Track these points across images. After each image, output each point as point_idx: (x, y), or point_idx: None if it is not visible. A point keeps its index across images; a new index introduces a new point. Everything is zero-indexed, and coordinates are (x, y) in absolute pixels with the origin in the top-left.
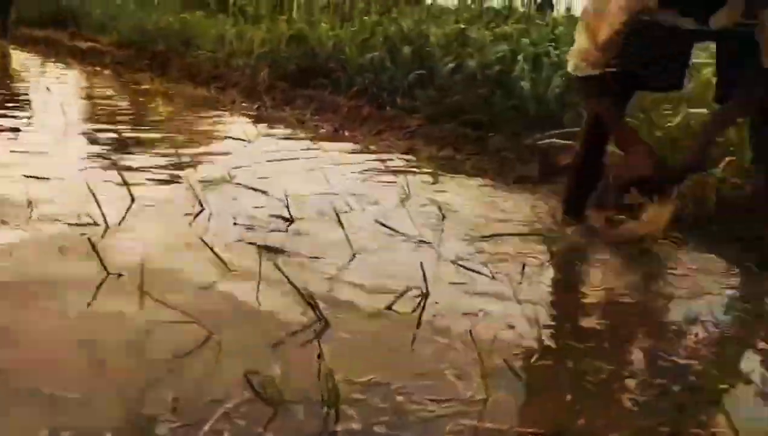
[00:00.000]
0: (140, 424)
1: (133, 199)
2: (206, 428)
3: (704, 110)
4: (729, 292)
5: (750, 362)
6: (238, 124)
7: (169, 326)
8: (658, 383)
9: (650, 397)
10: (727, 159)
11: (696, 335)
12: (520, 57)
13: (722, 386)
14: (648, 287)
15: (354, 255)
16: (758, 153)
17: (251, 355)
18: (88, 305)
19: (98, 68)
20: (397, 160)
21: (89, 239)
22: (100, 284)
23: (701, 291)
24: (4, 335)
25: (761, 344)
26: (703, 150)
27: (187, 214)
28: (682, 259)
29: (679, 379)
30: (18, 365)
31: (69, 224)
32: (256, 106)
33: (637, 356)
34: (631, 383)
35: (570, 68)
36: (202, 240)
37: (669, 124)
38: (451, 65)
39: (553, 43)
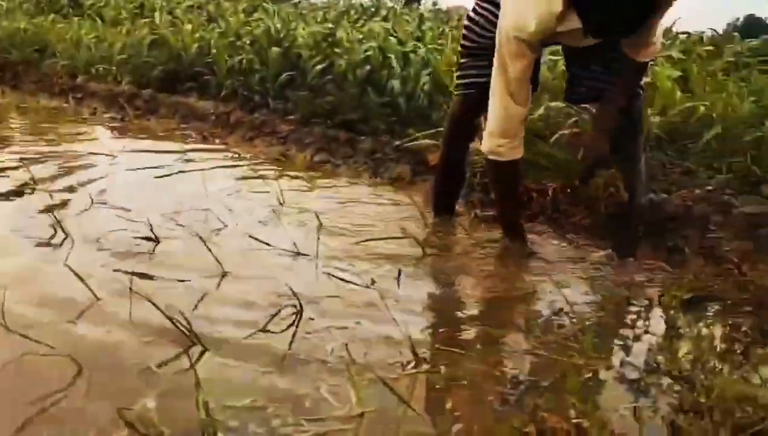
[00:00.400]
0: None
1: None
2: None
3: (561, 104)
4: (593, 280)
5: (613, 350)
6: (100, 138)
7: (34, 362)
8: (528, 379)
9: (520, 394)
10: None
11: (562, 326)
12: (389, 55)
13: (587, 376)
14: (518, 282)
15: (225, 274)
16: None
17: (125, 388)
18: None
19: None
20: (270, 168)
21: None
22: None
23: (567, 282)
24: None
25: (624, 331)
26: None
27: (46, 242)
28: (546, 250)
29: (547, 373)
30: None
31: None
32: (120, 116)
33: (508, 354)
34: (502, 381)
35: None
36: (70, 268)
37: (530, 116)
38: (320, 66)
39: (419, 42)
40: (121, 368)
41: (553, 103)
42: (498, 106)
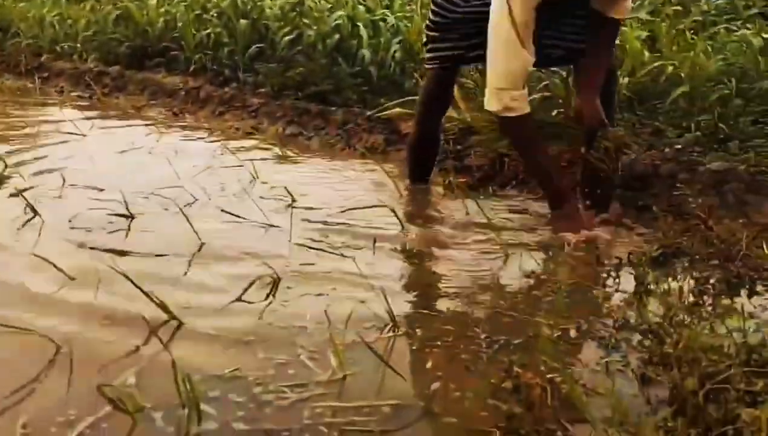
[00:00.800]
0: None
1: None
2: None
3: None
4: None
5: (583, 308)
6: (68, 117)
7: (11, 344)
8: (501, 338)
9: (493, 352)
10: (555, 111)
11: (533, 287)
12: (358, 24)
13: (558, 334)
14: (490, 246)
15: (201, 247)
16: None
17: (104, 365)
18: None
19: None
20: (242, 142)
21: None
22: None
23: (538, 243)
24: None
25: (594, 290)
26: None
27: (16, 222)
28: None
29: (519, 332)
30: None
31: None
32: (88, 95)
33: (481, 315)
34: (477, 341)
35: None
36: (38, 256)
37: None
38: (289, 37)
39: (388, 9)
40: (100, 345)
41: None
42: (506, 56)
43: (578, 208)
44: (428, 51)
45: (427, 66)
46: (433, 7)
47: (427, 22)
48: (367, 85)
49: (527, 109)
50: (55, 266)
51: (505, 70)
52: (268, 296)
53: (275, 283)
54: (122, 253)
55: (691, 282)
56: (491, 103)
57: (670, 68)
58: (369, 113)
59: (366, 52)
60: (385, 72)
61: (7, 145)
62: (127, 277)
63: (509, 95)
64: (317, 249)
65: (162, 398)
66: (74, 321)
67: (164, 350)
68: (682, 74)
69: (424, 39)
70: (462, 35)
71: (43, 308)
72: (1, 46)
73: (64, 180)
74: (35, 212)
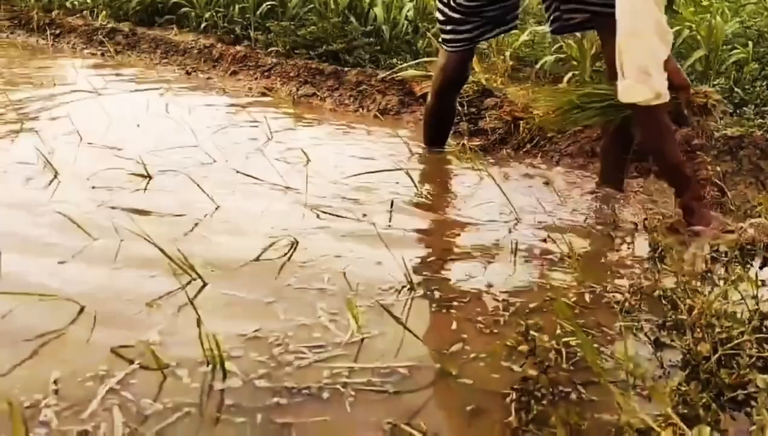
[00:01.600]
0: (22, 412)
1: None
2: (94, 405)
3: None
4: (580, 205)
5: (598, 273)
6: (82, 75)
7: (37, 303)
8: (518, 301)
9: (510, 315)
10: (570, 73)
11: (550, 251)
12: None
13: (573, 298)
14: (505, 209)
15: (218, 208)
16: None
17: (127, 324)
18: None
19: None
20: (255, 102)
21: None
22: None
23: (555, 208)
24: None
25: (609, 255)
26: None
27: (35, 180)
28: (536, 179)
29: (535, 295)
30: None
31: None
32: (100, 52)
33: (497, 278)
34: (493, 304)
35: None
36: (61, 213)
37: (515, 42)
38: None
39: None
40: (123, 305)
41: (539, 28)
42: (650, 40)
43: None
44: (448, 33)
45: (447, 48)
46: None
47: (449, 10)
48: (379, 45)
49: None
50: (76, 223)
51: (654, 52)
52: (285, 256)
53: (293, 245)
54: (142, 212)
55: (706, 248)
56: (637, 92)
57: (687, 31)
58: (382, 75)
59: (378, 11)
60: (398, 31)
61: (23, 103)
62: (147, 238)
63: (660, 81)
64: (333, 214)
65: (185, 356)
66: (96, 281)
67: (185, 310)
68: (699, 37)
69: (441, 18)
70: (481, 18)
71: (65, 268)
72: (12, 2)
73: (81, 138)
74: (54, 170)
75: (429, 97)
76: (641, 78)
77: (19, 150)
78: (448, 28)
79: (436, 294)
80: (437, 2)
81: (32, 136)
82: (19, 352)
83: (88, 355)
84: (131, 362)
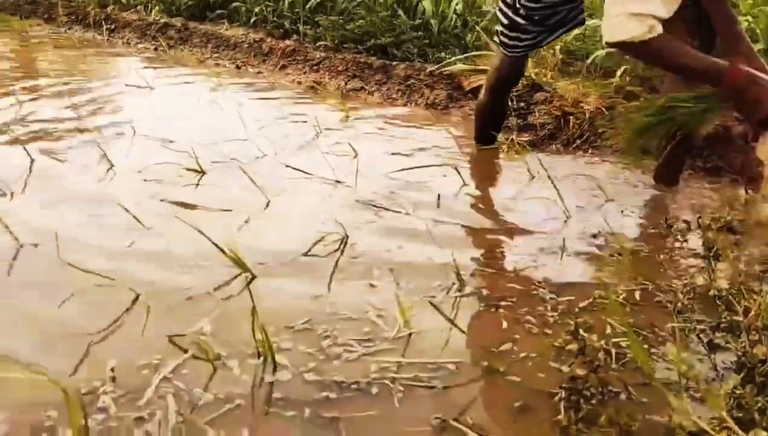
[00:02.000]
0: (81, 398)
1: (32, 161)
2: (149, 393)
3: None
4: (633, 202)
5: (650, 272)
6: (136, 69)
7: (92, 292)
8: (566, 300)
9: (559, 314)
10: (623, 68)
11: (600, 247)
12: None
13: (623, 296)
14: (555, 207)
15: (269, 203)
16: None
17: (181, 314)
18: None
19: None
20: (304, 96)
21: None
22: (15, 255)
23: (606, 205)
24: None
25: (662, 253)
26: None
27: (91, 171)
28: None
29: (584, 294)
30: None
31: None
32: (153, 47)
33: (546, 276)
34: (542, 303)
35: None
36: (121, 205)
37: (566, 36)
38: None
39: None
40: (176, 295)
41: (590, 22)
42: None
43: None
44: (511, 39)
45: (506, 52)
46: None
47: (515, 15)
48: (427, 39)
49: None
50: (131, 213)
51: None
52: (335, 251)
53: (343, 240)
54: (193, 206)
55: (762, 248)
56: (627, 29)
57: (745, 24)
58: (431, 69)
59: (427, 5)
60: (446, 25)
61: (80, 97)
62: (200, 231)
63: (648, 7)
64: (382, 207)
65: (236, 346)
66: (151, 270)
67: (236, 301)
68: (758, 30)
69: (505, 22)
70: (545, 26)
71: (121, 257)
72: None
73: (134, 131)
74: (109, 162)
75: (481, 95)
76: (627, 16)
77: (77, 142)
78: (512, 34)
79: (485, 292)
80: (501, 5)
81: (88, 129)
82: (77, 339)
83: (143, 343)
84: (185, 351)
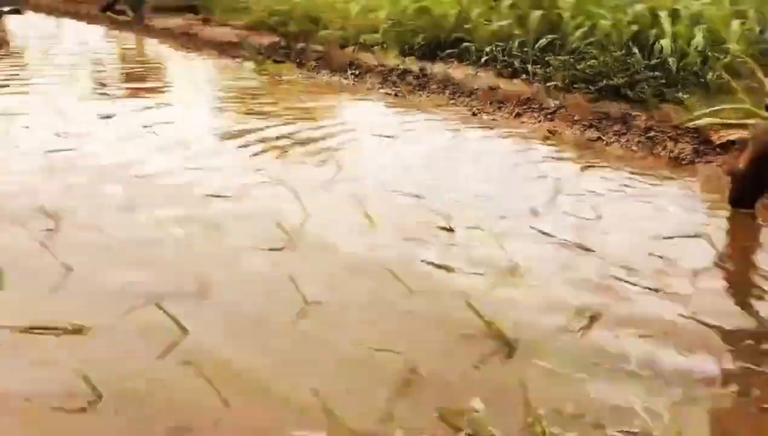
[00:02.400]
0: None
1: (306, 213)
2: None
3: None
4: None
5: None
6: (380, 115)
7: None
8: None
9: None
10: None
11: None
12: (658, 13)
13: None
14: None
15: (516, 268)
16: None
17: (450, 386)
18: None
19: (238, 60)
20: (540, 147)
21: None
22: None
23: None
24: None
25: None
26: None
27: (348, 223)
28: None
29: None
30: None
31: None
32: (394, 93)
33: None
34: None
35: None
36: (389, 270)
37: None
38: (583, 28)
39: None
40: (445, 364)
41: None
42: None
43: None
44: None
45: None
46: None
47: None
48: (664, 78)
49: None
50: (398, 278)
51: None
52: (587, 327)
53: (593, 318)
54: (449, 268)
55: None
56: None
57: None
58: (675, 123)
59: (666, 43)
60: (685, 63)
61: (330, 139)
62: (469, 304)
63: None
64: (630, 282)
65: (507, 426)
66: (420, 338)
67: (501, 377)
68: None
69: None
70: None
71: (385, 320)
72: (313, 38)
73: (384, 186)
74: (369, 218)
75: (742, 162)
76: None
77: (339, 194)
78: None
79: (755, 392)
80: None
81: (344, 179)
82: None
83: (416, 415)
84: (458, 429)
